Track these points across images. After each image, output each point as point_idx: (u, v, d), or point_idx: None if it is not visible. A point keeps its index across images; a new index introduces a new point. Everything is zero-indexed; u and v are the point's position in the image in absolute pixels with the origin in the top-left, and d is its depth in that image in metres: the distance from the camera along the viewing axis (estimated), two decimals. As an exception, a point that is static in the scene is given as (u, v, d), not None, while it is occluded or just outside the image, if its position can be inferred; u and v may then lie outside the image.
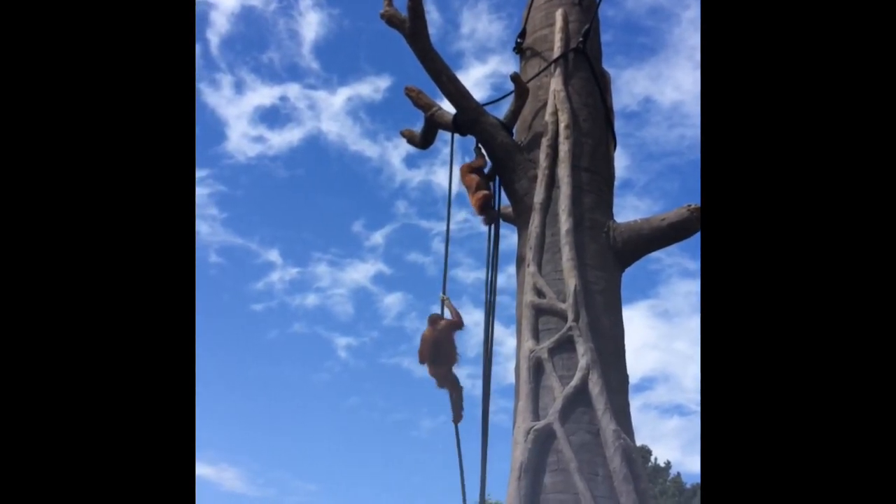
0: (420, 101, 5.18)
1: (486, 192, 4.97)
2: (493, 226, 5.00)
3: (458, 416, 4.94)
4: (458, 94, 4.82)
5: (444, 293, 5.03)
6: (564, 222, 4.45)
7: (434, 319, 4.90)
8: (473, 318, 5.00)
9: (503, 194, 4.98)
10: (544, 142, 4.74)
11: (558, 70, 4.94)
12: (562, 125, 4.74)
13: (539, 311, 4.32)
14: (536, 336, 4.26)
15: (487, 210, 4.97)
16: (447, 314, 4.94)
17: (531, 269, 4.44)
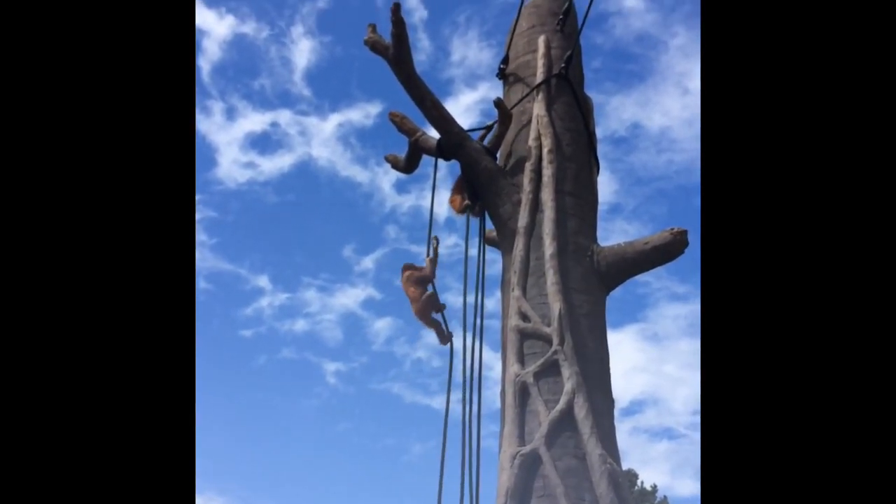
0: (404, 126, 5.20)
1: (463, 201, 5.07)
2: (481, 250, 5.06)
3: (443, 339, 5.08)
4: (441, 119, 4.85)
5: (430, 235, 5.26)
6: (549, 246, 4.46)
7: (404, 268, 5.11)
8: (462, 341, 5.02)
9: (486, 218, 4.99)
10: (528, 166, 4.76)
11: (541, 95, 4.98)
12: (545, 150, 4.77)
13: (524, 335, 4.31)
14: (522, 360, 4.25)
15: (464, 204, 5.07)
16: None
17: (516, 292, 4.43)
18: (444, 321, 5.14)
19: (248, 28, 18.59)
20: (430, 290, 5.10)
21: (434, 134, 5.05)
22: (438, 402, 4.91)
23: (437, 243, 5.19)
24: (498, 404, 4.39)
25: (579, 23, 5.29)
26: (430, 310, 5.11)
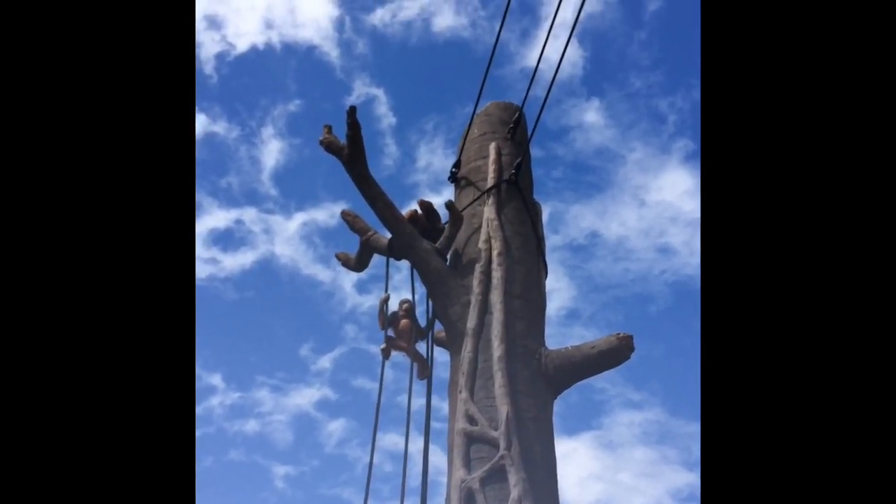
0: (356, 226, 5.25)
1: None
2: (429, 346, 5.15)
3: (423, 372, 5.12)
4: (393, 219, 4.91)
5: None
6: (497, 348, 4.45)
7: (404, 316, 5.20)
8: (417, 445, 4.94)
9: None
10: (478, 268, 4.80)
11: (492, 199, 5.09)
12: (495, 252, 4.84)
13: (471, 439, 4.24)
14: (468, 465, 4.16)
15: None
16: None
17: (463, 395, 4.38)
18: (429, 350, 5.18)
19: (219, 127, 19.09)
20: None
21: (386, 234, 5.09)
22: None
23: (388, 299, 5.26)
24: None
25: (529, 132, 5.48)
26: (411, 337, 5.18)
